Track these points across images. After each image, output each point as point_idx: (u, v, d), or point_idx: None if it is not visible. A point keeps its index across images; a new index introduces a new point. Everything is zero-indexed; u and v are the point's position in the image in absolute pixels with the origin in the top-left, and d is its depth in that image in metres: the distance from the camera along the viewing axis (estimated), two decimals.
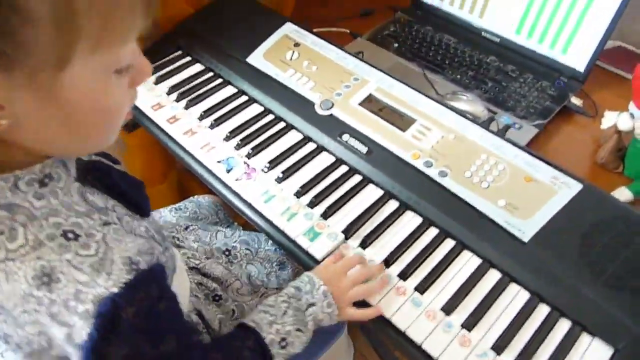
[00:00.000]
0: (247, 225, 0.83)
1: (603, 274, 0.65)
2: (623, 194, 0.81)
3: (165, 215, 0.90)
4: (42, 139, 0.43)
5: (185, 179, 1.26)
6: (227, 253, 0.81)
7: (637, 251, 0.66)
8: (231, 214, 0.97)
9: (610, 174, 0.88)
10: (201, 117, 0.88)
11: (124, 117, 0.48)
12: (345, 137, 0.82)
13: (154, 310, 0.46)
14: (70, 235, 0.43)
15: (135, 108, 0.91)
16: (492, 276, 0.68)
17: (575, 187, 0.72)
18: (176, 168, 1.23)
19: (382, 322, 0.65)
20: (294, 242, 0.73)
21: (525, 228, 0.69)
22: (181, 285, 0.66)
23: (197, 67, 0.97)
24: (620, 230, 0.68)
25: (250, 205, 0.76)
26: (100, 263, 0.43)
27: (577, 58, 0.98)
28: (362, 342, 1.25)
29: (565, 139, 0.95)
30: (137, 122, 0.93)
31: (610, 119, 0.89)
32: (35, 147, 0.44)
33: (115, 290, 0.43)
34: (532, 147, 0.89)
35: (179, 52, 0.99)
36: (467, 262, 0.69)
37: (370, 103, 0.85)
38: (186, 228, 0.84)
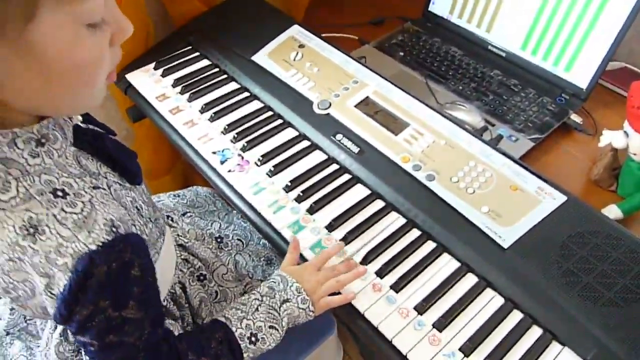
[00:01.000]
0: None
1: (577, 285, 0.65)
2: (612, 211, 0.81)
3: (163, 199, 0.92)
4: (29, 97, 0.44)
5: (189, 172, 1.29)
6: (218, 240, 0.83)
7: (613, 265, 0.66)
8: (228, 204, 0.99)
9: (604, 192, 0.88)
10: (202, 110, 0.91)
11: (104, 74, 0.49)
12: (339, 136, 0.83)
13: (124, 274, 0.48)
14: (60, 193, 0.46)
15: (141, 98, 0.95)
16: (469, 280, 0.68)
17: (560, 198, 0.72)
18: (181, 161, 1.27)
19: (357, 315, 0.66)
20: (279, 233, 0.74)
21: (506, 235, 0.70)
22: (167, 257, 0.67)
23: (204, 62, 1.00)
24: (599, 244, 0.68)
25: (240, 196, 0.79)
26: (84, 221, 0.46)
27: (580, 76, 0.98)
28: (352, 345, 1.25)
29: (561, 155, 0.95)
30: (143, 113, 0.97)
31: (608, 137, 0.89)
32: (25, 106, 0.46)
33: (94, 247, 0.45)
34: (525, 160, 0.89)
35: (189, 47, 1.03)
36: (446, 264, 0.70)
37: (367, 106, 0.87)
38: (184, 214, 0.87)
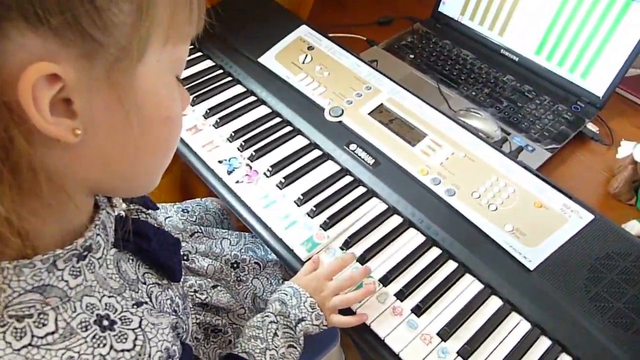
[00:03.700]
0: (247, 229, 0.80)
1: (608, 310, 0.62)
2: (635, 227, 0.78)
3: (172, 215, 0.85)
4: (104, 164, 0.36)
5: (188, 176, 1.24)
6: (235, 266, 0.78)
7: None
8: (234, 223, 0.94)
9: (623, 206, 0.85)
10: (206, 115, 0.86)
11: (177, 143, 0.41)
12: (353, 146, 0.79)
13: None
14: (106, 322, 0.37)
15: None
16: (493, 303, 0.65)
17: (586, 217, 0.69)
18: (180, 162, 1.21)
19: (377, 342, 0.63)
20: (291, 251, 0.70)
21: (532, 256, 0.67)
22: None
23: (207, 64, 0.95)
24: (628, 267, 0.65)
25: (249, 209, 0.74)
26: (138, 359, 0.38)
27: (597, 84, 0.96)
28: (354, 354, 1.22)
29: (578, 166, 0.92)
30: None
31: (626, 149, 0.86)
32: (93, 179, 0.37)
33: None
34: (543, 171, 0.86)
35: (190, 47, 0.97)
36: (468, 286, 0.67)
37: (381, 113, 0.83)
38: (192, 235, 0.82)
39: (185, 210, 0.87)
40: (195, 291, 0.69)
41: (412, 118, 0.82)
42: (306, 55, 0.92)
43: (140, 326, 0.39)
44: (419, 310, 0.64)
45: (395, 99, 0.84)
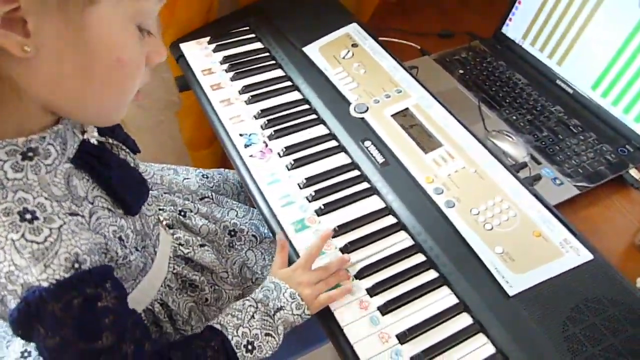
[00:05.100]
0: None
1: (580, 354, 0.58)
2: None
3: (191, 178, 0.91)
4: (54, 86, 0.42)
5: None
6: (232, 234, 0.82)
7: (627, 342, 0.59)
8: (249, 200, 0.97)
9: None
10: (242, 91, 0.91)
11: (137, 87, 0.48)
12: (367, 143, 0.80)
13: (89, 309, 0.45)
14: (28, 215, 0.43)
15: (189, 69, 0.96)
16: (463, 320, 0.64)
17: (585, 256, 0.66)
18: None
19: (337, 329, 0.64)
20: (282, 227, 0.73)
21: (515, 282, 0.64)
22: (151, 280, 0.65)
23: (256, 45, 1.00)
24: (616, 315, 0.61)
25: (255, 182, 0.78)
26: (43, 252, 0.43)
27: None
28: None
29: (610, 211, 0.86)
30: (188, 84, 0.98)
31: None
32: (46, 96, 0.43)
33: (45, 285, 0.42)
34: (565, 208, 0.82)
35: (246, 28, 1.03)
36: (443, 298, 0.66)
37: (404, 117, 0.83)
38: (202, 198, 0.86)
39: (205, 176, 0.92)
40: (180, 244, 0.73)
41: (432, 127, 0.81)
42: (348, 51, 0.94)
43: (58, 228, 0.44)
44: (385, 309, 0.64)
45: (422, 106, 0.84)
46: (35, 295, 0.42)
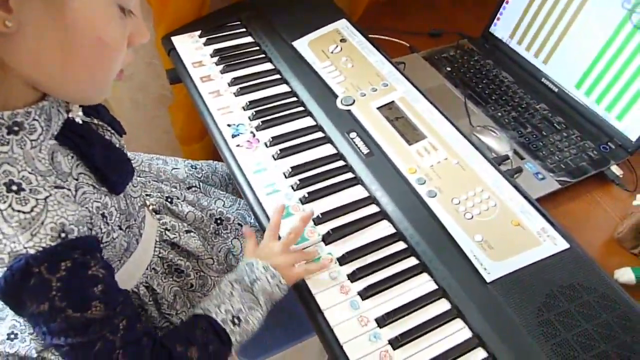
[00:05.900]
0: None
1: (553, 337, 0.60)
2: (625, 274, 0.74)
3: (180, 168, 0.92)
4: (40, 62, 0.43)
5: None
6: (218, 222, 0.83)
7: (599, 327, 0.60)
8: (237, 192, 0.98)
9: (625, 253, 0.81)
10: (231, 83, 0.92)
11: (118, 67, 0.49)
12: (353, 134, 0.82)
13: (78, 276, 0.46)
14: (14, 187, 0.44)
15: (180, 61, 0.97)
16: (441, 305, 0.65)
17: (561, 245, 0.67)
18: None
19: (317, 311, 0.65)
20: (266, 215, 0.74)
21: (492, 269, 0.66)
22: (136, 262, 0.66)
23: (247, 39, 1.01)
24: (590, 302, 0.62)
25: (241, 170, 0.79)
26: (30, 222, 0.44)
27: (632, 127, 0.91)
28: None
29: (590, 205, 0.88)
30: (179, 76, 0.99)
31: None
32: (29, 73, 0.44)
33: (32, 252, 0.44)
34: (546, 202, 0.84)
35: (237, 22, 1.05)
36: (422, 284, 0.67)
37: (389, 110, 0.85)
38: (189, 188, 0.87)
39: (194, 167, 0.93)
40: (166, 229, 0.74)
41: (417, 120, 0.83)
42: (336, 46, 0.95)
43: (45, 199, 0.45)
44: (365, 293, 0.65)
45: (408, 100, 0.86)
46: (21, 263, 0.43)
